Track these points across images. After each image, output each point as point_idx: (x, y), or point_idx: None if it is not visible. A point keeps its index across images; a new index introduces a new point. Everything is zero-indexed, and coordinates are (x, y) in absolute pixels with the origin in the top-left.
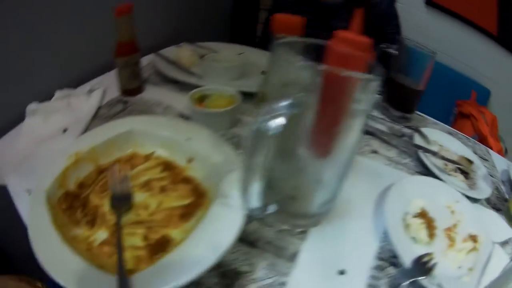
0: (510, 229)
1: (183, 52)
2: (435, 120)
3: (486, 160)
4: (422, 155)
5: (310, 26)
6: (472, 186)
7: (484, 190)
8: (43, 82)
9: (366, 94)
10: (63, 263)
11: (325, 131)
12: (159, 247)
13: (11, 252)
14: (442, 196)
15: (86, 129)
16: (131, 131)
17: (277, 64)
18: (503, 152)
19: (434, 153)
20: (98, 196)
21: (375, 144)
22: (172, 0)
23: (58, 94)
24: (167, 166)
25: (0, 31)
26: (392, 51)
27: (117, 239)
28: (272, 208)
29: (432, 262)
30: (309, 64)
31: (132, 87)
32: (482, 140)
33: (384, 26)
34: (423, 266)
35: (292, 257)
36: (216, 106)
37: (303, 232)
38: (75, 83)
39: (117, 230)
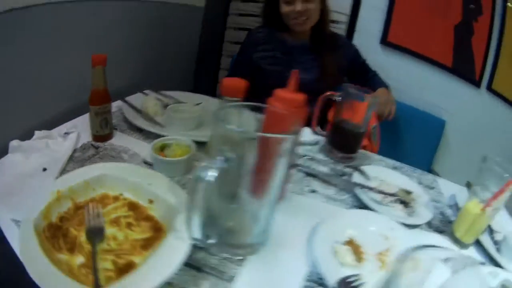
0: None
1: (148, 102)
2: (381, 157)
3: (432, 188)
4: (359, 191)
5: (279, 63)
6: (411, 213)
7: (424, 216)
8: (23, 121)
9: (291, 146)
10: (51, 279)
11: (261, 177)
12: (125, 270)
13: None
14: (375, 225)
15: (63, 169)
16: (103, 175)
17: (218, 123)
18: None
19: (370, 188)
20: (76, 229)
21: (315, 184)
22: (141, 50)
23: (37, 134)
24: (132, 206)
25: None
26: (336, 98)
27: (92, 264)
28: (213, 239)
29: (358, 282)
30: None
31: (103, 134)
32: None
33: (353, 65)
34: (348, 285)
35: (230, 279)
36: (175, 154)
37: (242, 260)
38: (51, 124)
39: (92, 257)
